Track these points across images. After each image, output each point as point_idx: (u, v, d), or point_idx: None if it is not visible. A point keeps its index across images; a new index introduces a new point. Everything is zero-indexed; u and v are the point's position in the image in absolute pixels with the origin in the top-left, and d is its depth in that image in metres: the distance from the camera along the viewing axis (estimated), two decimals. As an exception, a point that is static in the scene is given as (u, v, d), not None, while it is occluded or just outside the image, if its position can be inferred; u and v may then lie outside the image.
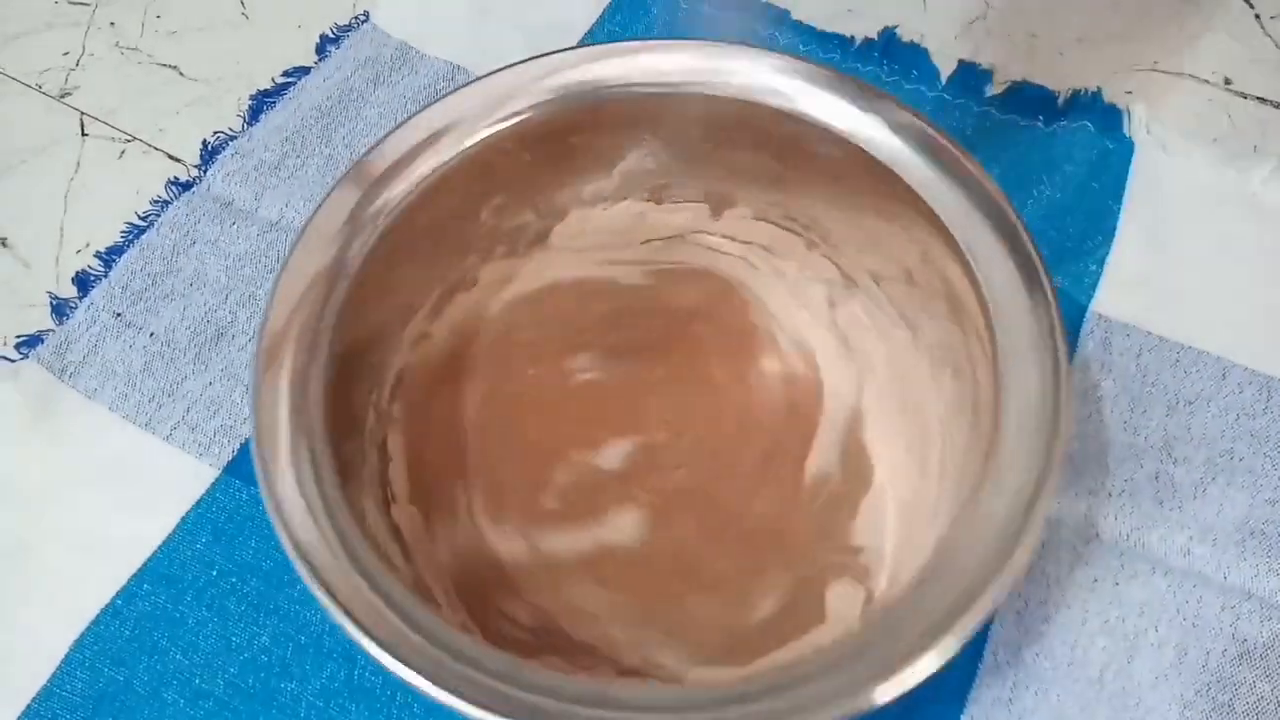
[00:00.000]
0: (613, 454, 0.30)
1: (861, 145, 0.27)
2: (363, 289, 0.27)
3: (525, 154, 0.29)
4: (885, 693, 0.21)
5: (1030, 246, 0.26)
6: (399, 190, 0.28)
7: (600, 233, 0.32)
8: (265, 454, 0.24)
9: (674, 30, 0.40)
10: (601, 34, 0.40)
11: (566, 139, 0.30)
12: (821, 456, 0.30)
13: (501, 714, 0.21)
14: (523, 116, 0.29)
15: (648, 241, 0.33)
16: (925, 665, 0.22)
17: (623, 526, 0.29)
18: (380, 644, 0.22)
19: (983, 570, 0.23)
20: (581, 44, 0.39)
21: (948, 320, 0.27)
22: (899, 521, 0.28)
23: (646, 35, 0.40)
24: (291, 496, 0.24)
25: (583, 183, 0.31)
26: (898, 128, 0.27)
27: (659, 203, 0.32)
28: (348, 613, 0.22)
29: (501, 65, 0.30)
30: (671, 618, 0.28)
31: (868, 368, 0.31)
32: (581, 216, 0.32)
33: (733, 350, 0.32)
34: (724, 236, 0.32)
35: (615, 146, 0.31)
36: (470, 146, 0.28)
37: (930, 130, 0.27)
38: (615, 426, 0.31)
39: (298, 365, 0.25)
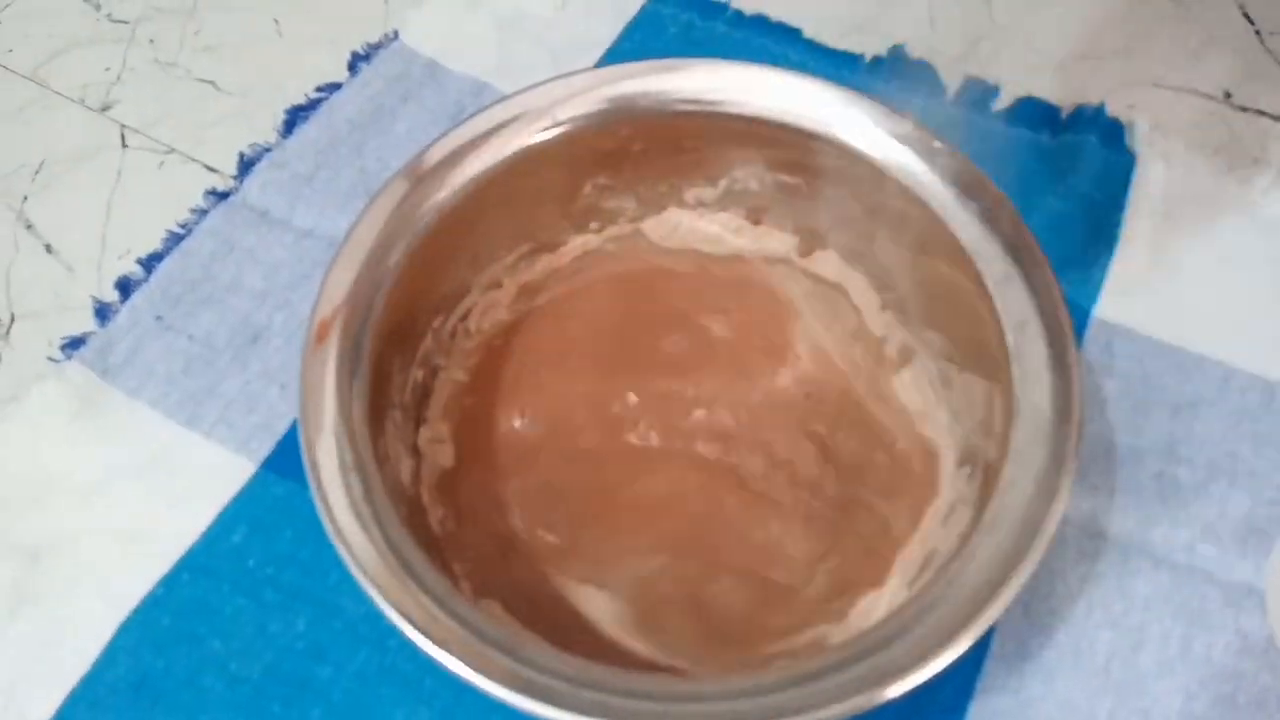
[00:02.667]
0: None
1: (953, 232, 0.28)
2: (444, 234, 0.30)
3: (638, 143, 0.31)
4: (895, 690, 0.22)
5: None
6: (494, 155, 0.30)
7: (690, 235, 0.34)
8: (310, 433, 0.26)
9: (689, 48, 0.42)
10: (621, 52, 0.42)
11: (680, 142, 0.32)
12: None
13: (526, 694, 0.22)
14: (635, 110, 0.31)
15: (732, 255, 0.34)
16: (935, 664, 0.23)
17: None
18: (412, 622, 0.23)
19: (992, 576, 0.24)
20: (603, 61, 0.41)
21: (984, 416, 0.28)
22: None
23: (664, 54, 0.42)
24: (331, 472, 0.25)
25: (687, 185, 0.33)
26: (986, 215, 0.28)
27: (756, 224, 0.34)
28: (386, 595, 0.24)
29: (524, 81, 0.32)
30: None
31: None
32: (678, 216, 0.34)
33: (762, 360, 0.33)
34: (806, 272, 0.34)
35: (725, 161, 0.32)
36: (577, 123, 0.31)
37: (1018, 227, 0.28)
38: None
39: (350, 331, 0.27)
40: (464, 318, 0.32)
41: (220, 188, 0.38)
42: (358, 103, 0.40)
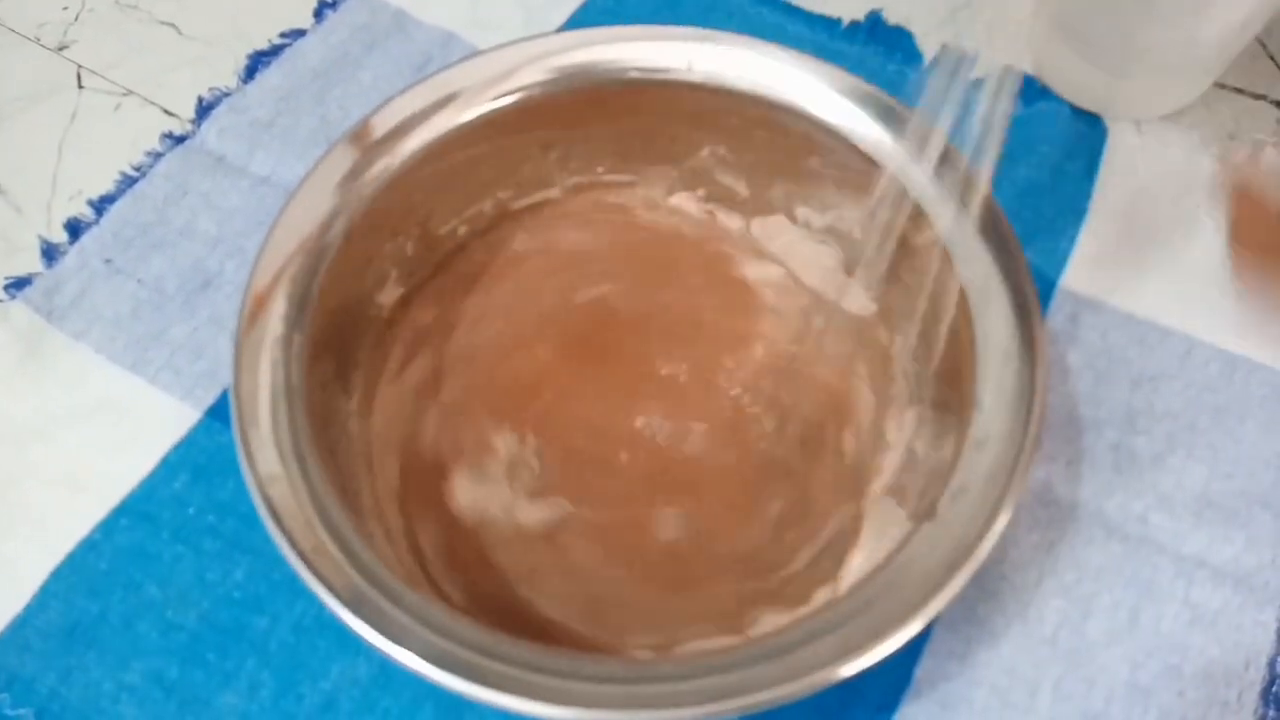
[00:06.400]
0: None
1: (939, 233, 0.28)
2: (419, 178, 0.29)
3: (759, 132, 0.31)
4: (849, 669, 0.22)
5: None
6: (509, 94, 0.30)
7: (774, 236, 0.33)
8: (244, 406, 0.25)
9: (665, 8, 0.41)
10: (594, 8, 0.41)
11: (798, 148, 0.31)
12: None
13: (443, 668, 0.22)
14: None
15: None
16: (890, 644, 0.22)
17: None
18: (332, 591, 0.23)
19: (946, 559, 0.23)
20: (576, 17, 0.40)
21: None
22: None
23: (637, 13, 0.41)
24: (265, 436, 0.25)
25: (800, 201, 0.32)
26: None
27: (848, 274, 0.32)
28: (301, 555, 0.23)
29: (495, 34, 0.31)
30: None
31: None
32: (782, 226, 0.33)
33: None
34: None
35: (837, 195, 0.31)
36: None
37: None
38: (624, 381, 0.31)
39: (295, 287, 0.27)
40: (539, 205, 0.33)
41: (177, 131, 0.37)
42: (322, 51, 0.39)
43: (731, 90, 0.30)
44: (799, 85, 0.30)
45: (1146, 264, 0.34)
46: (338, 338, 0.29)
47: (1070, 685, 0.27)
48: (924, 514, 0.24)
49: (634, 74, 0.30)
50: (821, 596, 0.27)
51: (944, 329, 0.27)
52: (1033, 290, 0.27)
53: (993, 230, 0.27)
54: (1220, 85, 0.38)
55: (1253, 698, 0.27)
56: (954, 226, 0.28)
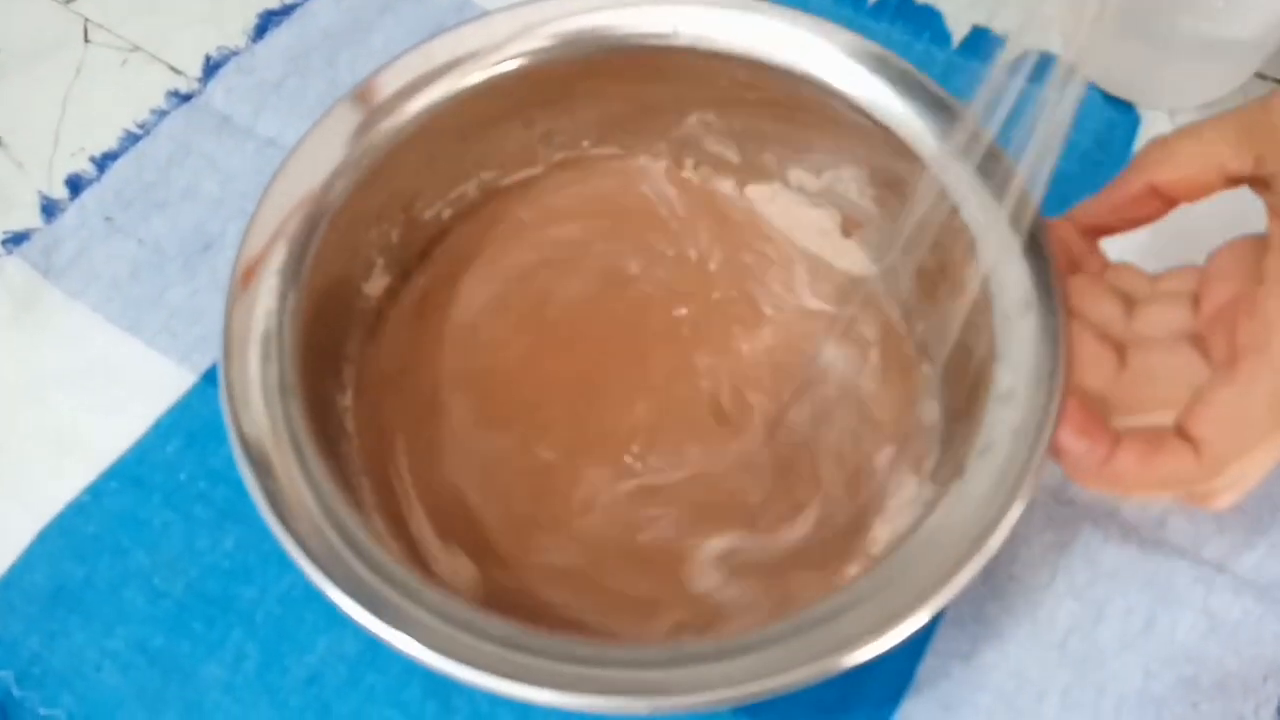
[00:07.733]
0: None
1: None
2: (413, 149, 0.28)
3: (748, 96, 0.30)
4: (853, 658, 0.21)
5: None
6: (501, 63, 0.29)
7: (769, 201, 0.32)
8: (236, 398, 0.24)
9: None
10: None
11: (792, 108, 0.29)
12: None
13: (430, 648, 0.22)
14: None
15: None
16: (897, 633, 0.21)
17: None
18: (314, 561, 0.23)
19: (961, 544, 0.22)
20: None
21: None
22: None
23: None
24: (256, 404, 0.24)
25: (794, 164, 0.31)
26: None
27: (846, 235, 0.31)
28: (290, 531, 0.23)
29: None
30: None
31: None
32: (775, 192, 0.32)
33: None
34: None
35: (834, 151, 0.30)
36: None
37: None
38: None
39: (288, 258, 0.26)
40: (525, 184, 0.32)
41: (183, 90, 0.37)
42: (334, 12, 0.38)
43: (718, 52, 0.29)
44: (786, 41, 0.29)
45: (1176, 257, 0.33)
46: (327, 332, 0.28)
47: (1079, 692, 0.26)
48: (950, 474, 0.23)
49: (617, 41, 0.29)
50: (850, 570, 0.27)
51: (953, 282, 0.26)
52: (1046, 234, 0.25)
53: (997, 172, 0.26)
54: (1261, 76, 0.37)
55: (1270, 712, 0.26)
56: (955, 172, 0.26)
